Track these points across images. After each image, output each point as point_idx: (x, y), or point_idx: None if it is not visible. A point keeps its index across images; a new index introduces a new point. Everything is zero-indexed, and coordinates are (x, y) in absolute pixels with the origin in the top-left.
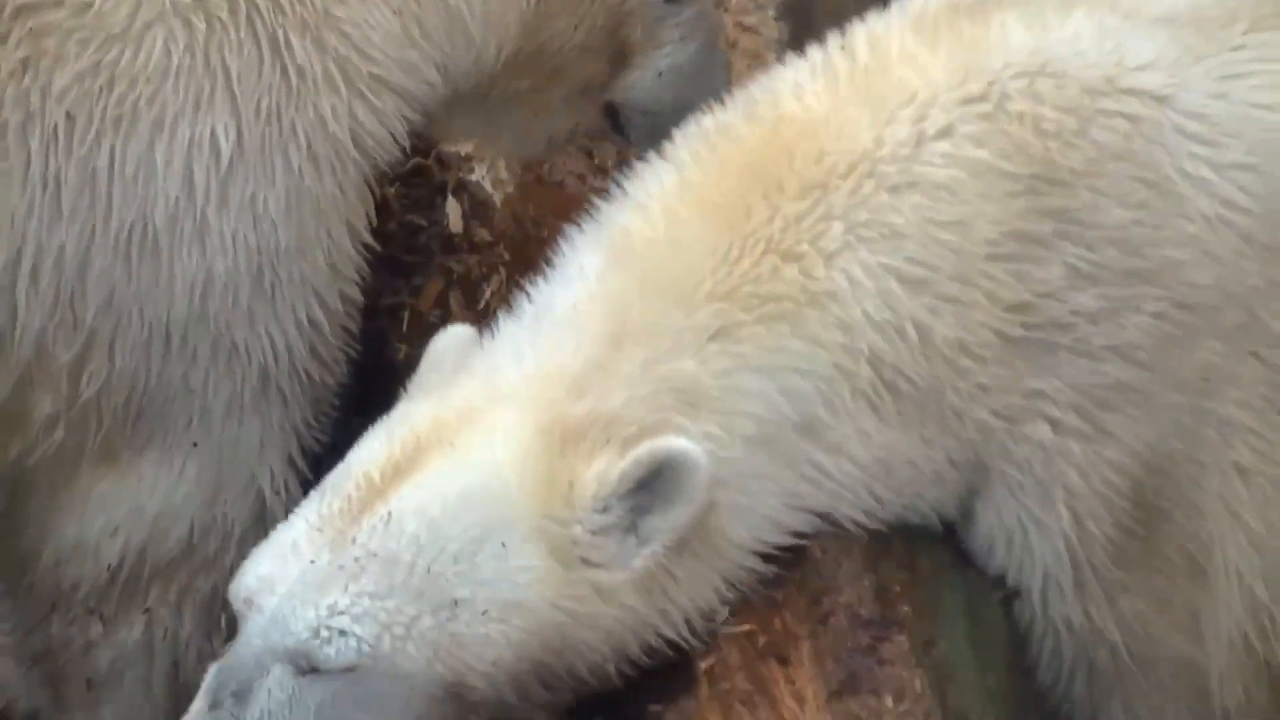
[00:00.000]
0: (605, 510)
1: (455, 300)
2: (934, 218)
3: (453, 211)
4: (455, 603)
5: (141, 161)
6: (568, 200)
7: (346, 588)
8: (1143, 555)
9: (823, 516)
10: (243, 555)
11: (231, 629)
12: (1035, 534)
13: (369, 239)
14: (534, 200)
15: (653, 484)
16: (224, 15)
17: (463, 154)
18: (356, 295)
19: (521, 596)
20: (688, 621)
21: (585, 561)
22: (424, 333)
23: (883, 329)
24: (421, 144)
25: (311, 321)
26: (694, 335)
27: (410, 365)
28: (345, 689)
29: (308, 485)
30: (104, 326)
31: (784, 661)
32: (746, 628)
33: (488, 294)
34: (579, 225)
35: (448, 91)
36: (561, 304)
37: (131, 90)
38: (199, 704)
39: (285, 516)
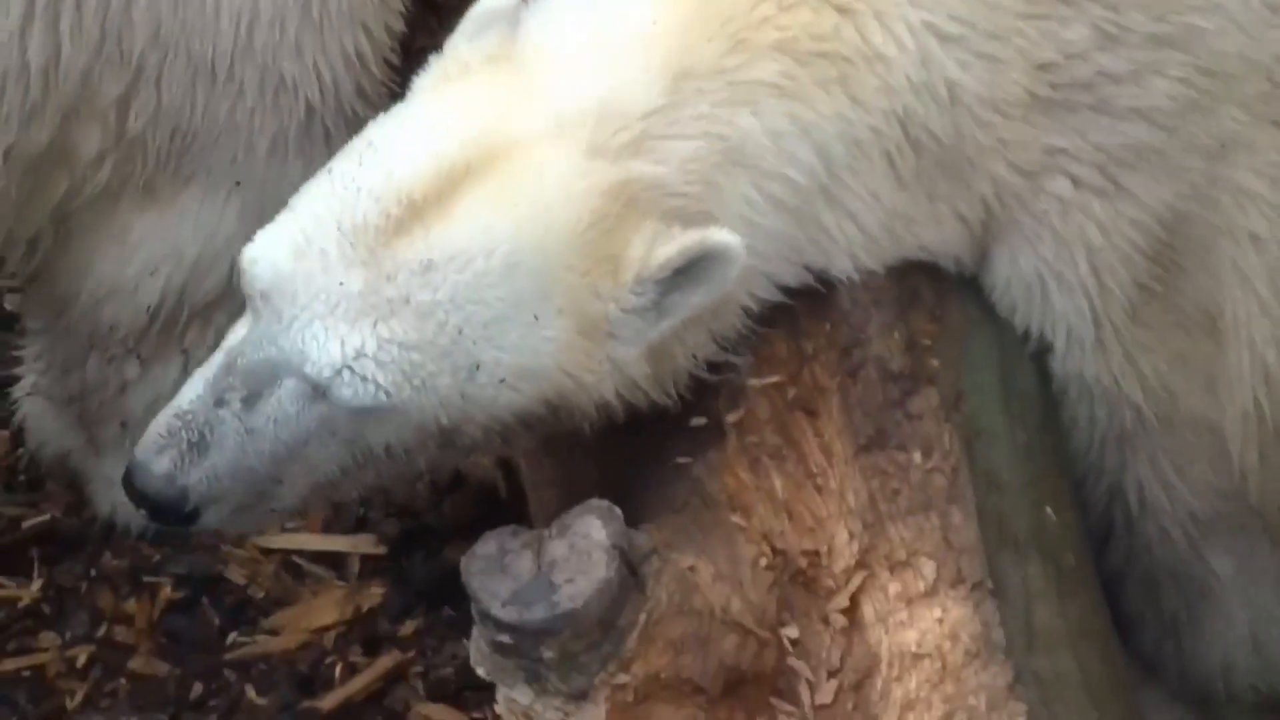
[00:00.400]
0: (640, 292)
1: None
2: None
3: None
4: (476, 366)
5: None
6: None
7: (375, 329)
8: (1161, 313)
9: (814, 272)
10: None
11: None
12: (1055, 289)
13: None
14: None
15: (688, 269)
16: None
17: None
18: (401, 26)
19: (540, 365)
20: (675, 383)
21: (608, 335)
22: None
23: (918, 90)
24: None
25: (359, 54)
26: (752, 89)
27: None
28: (348, 416)
29: None
30: (151, 60)
31: (812, 415)
32: (775, 379)
33: None
34: None
35: None
36: (627, 21)
37: None
38: (201, 391)
39: None
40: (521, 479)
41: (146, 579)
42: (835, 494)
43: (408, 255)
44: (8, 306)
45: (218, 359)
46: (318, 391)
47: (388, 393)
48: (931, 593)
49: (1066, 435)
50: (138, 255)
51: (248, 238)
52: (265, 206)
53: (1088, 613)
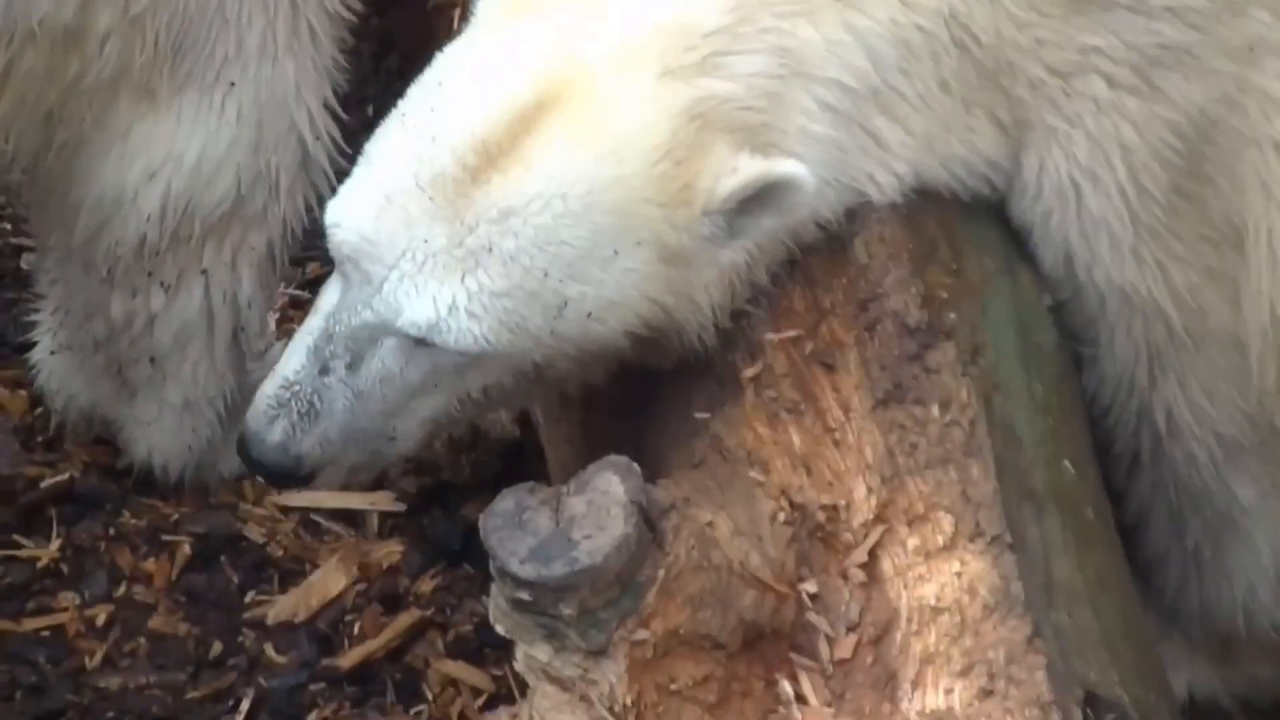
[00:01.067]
0: (711, 222)
1: None
2: None
3: None
4: (564, 304)
5: None
6: None
7: (464, 282)
8: (1193, 223)
9: (858, 189)
10: (293, 206)
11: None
12: (1091, 191)
13: None
14: None
15: (756, 195)
16: None
17: None
18: None
19: (623, 297)
20: (730, 314)
21: (686, 262)
22: None
23: None
24: None
25: None
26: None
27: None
28: (450, 367)
29: (344, 128)
30: None
31: (830, 369)
32: (793, 334)
33: None
34: None
35: None
36: None
37: None
38: (304, 361)
39: (327, 163)
40: (540, 436)
41: (165, 538)
42: (853, 449)
43: (486, 204)
44: (23, 266)
45: (316, 325)
46: (419, 346)
47: (487, 340)
48: (950, 547)
49: (1095, 356)
50: (137, 160)
51: (248, 142)
52: (262, 107)
53: (1107, 566)
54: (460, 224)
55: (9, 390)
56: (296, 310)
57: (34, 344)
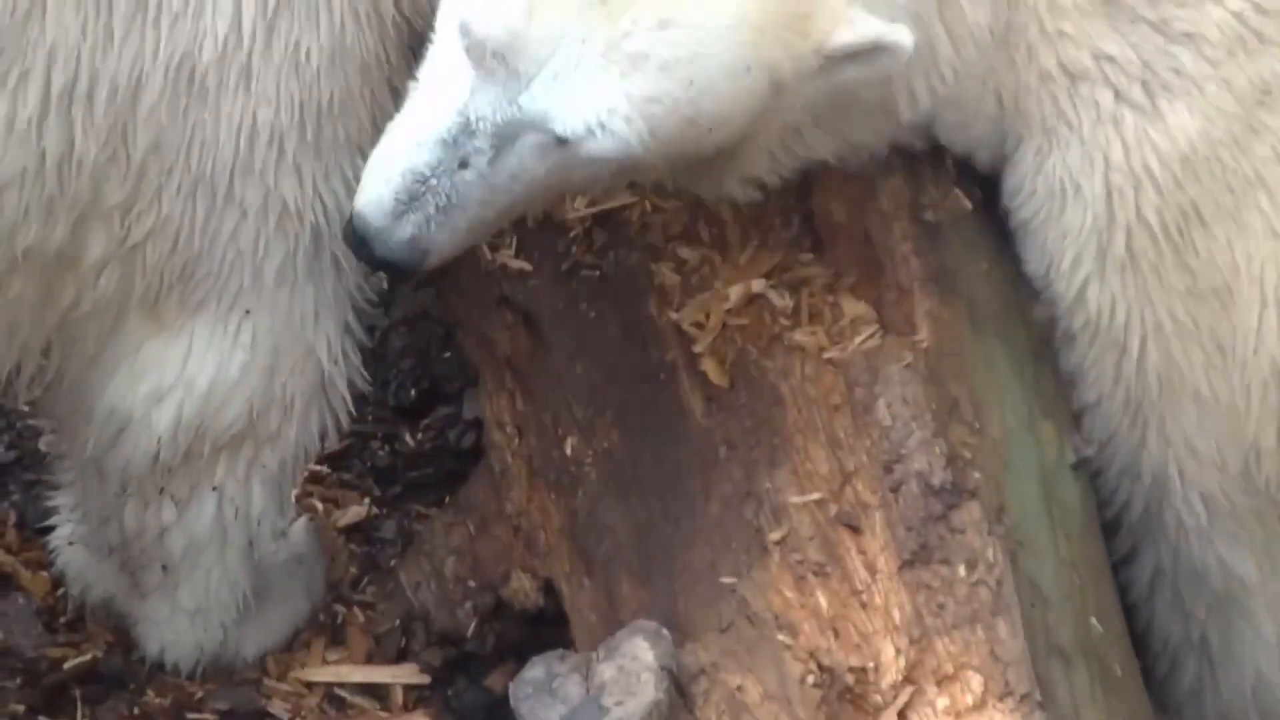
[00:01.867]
0: (818, 58)
1: None
2: None
3: None
4: (697, 115)
5: None
6: None
7: (622, 84)
8: (1169, 267)
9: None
10: (306, 428)
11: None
12: (1072, 199)
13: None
14: None
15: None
16: None
17: None
18: None
19: (736, 114)
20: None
21: (782, 92)
22: None
23: None
24: None
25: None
26: None
27: None
28: (584, 162)
29: (364, 351)
30: (153, 167)
31: (856, 531)
32: (817, 496)
33: None
34: None
35: None
36: None
37: None
38: (441, 155)
39: (345, 386)
40: (564, 604)
41: (190, 716)
42: (880, 610)
43: (645, 10)
44: (42, 448)
45: (448, 118)
46: (559, 144)
47: (631, 145)
48: (980, 706)
49: (1091, 413)
50: (146, 379)
51: (263, 368)
52: (279, 334)
53: (1136, 718)
54: (618, 29)
55: (31, 571)
56: (315, 484)
57: (53, 528)
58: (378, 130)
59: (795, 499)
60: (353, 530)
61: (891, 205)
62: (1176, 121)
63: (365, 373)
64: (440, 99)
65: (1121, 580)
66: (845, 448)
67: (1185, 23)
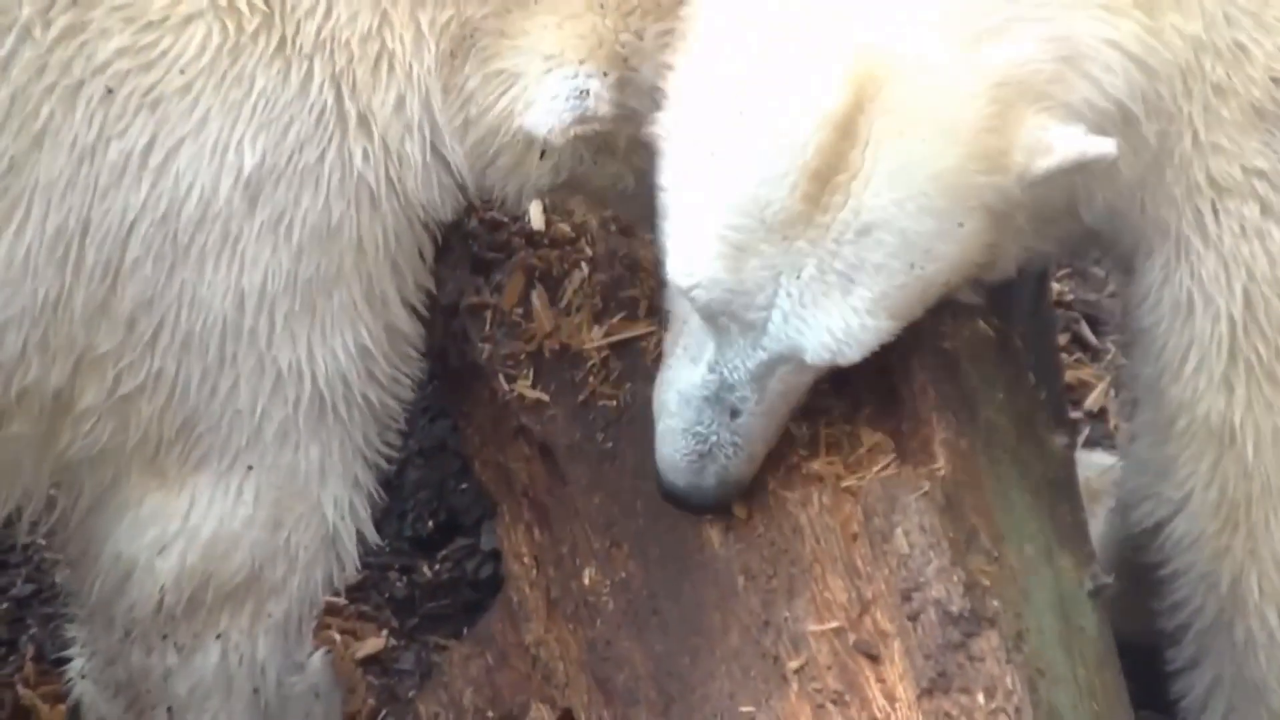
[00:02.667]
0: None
1: (538, 297)
2: None
3: (534, 207)
4: (929, 285)
5: (172, 152)
6: None
7: (849, 300)
8: None
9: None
10: (311, 579)
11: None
12: (1202, 311)
13: (426, 279)
14: None
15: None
16: (255, 28)
17: None
18: (405, 325)
19: (967, 260)
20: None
21: (1007, 215)
22: (507, 331)
23: (1202, 46)
24: None
25: (360, 348)
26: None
27: (494, 364)
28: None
29: (373, 503)
30: (142, 320)
31: (874, 659)
32: (835, 625)
33: (570, 291)
34: None
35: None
36: None
37: (167, 77)
38: (709, 414)
39: (353, 540)
40: None
41: None
42: None
43: (842, 224)
44: (57, 580)
45: (705, 378)
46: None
47: (878, 342)
48: None
49: (1170, 518)
50: (148, 530)
51: (266, 521)
52: (283, 491)
53: None
54: (823, 249)
55: (49, 705)
56: (333, 615)
57: (69, 659)
58: (382, 305)
59: (814, 628)
60: (370, 662)
61: (908, 334)
62: None
63: (374, 527)
64: (692, 354)
65: (1177, 690)
66: (863, 576)
67: None
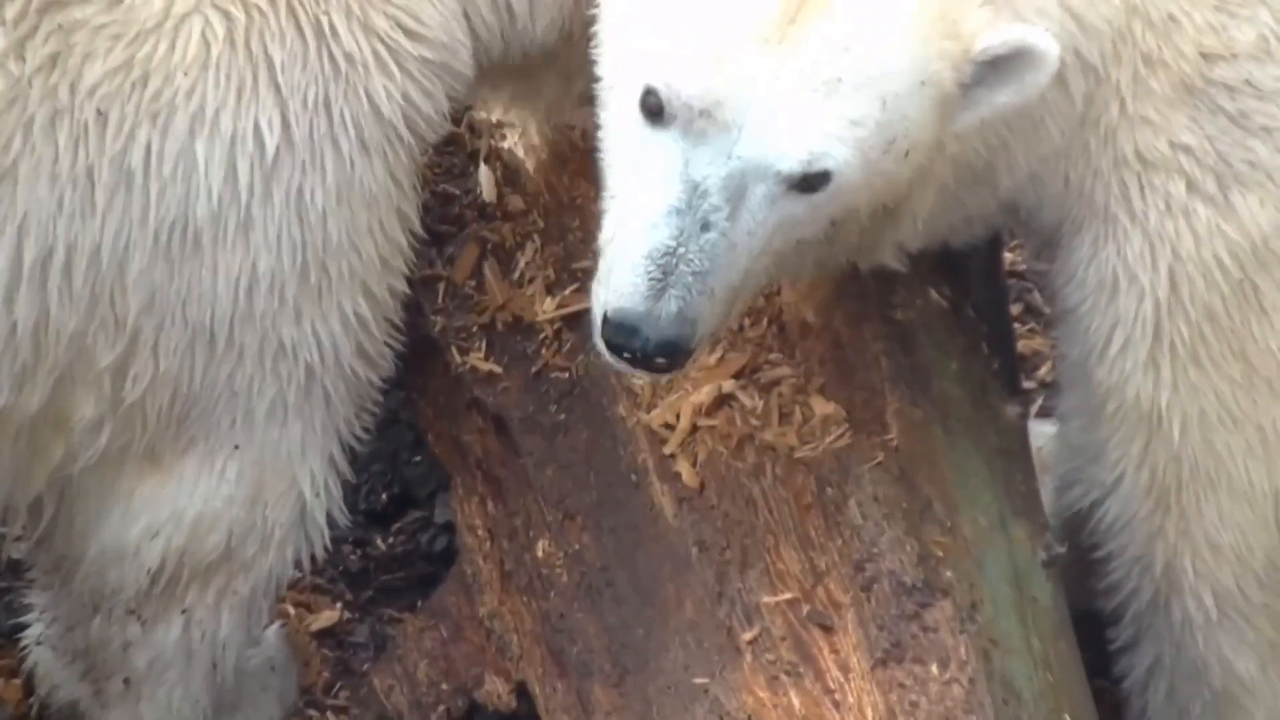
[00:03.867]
0: (971, 66)
1: (490, 270)
2: None
3: (486, 180)
4: (894, 139)
5: (181, 156)
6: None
7: (826, 107)
8: (1223, 355)
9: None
10: (282, 557)
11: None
12: (1126, 290)
13: (418, 226)
14: (568, 167)
15: (1002, 64)
16: (263, 4)
17: (495, 120)
18: (403, 287)
19: (923, 136)
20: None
21: (948, 110)
22: (459, 304)
23: (1135, 11)
24: (453, 111)
25: (359, 317)
26: None
27: (447, 337)
28: (802, 204)
29: (354, 485)
30: (147, 327)
31: (828, 630)
32: (789, 596)
33: (522, 263)
34: None
35: (491, 62)
36: None
37: (168, 85)
38: (680, 224)
39: (324, 518)
40: (536, 706)
41: None
42: (854, 709)
43: (825, 37)
44: (14, 555)
45: (676, 189)
46: (785, 188)
47: (852, 165)
48: None
49: (1104, 500)
50: (140, 519)
51: (246, 498)
52: (265, 468)
53: None
54: (804, 58)
55: (4, 680)
56: (289, 590)
57: (26, 625)
58: (384, 265)
59: (767, 599)
60: (325, 635)
61: (861, 305)
62: (1248, 213)
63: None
64: (654, 178)
65: (1119, 669)
66: (817, 547)
67: (1264, 116)
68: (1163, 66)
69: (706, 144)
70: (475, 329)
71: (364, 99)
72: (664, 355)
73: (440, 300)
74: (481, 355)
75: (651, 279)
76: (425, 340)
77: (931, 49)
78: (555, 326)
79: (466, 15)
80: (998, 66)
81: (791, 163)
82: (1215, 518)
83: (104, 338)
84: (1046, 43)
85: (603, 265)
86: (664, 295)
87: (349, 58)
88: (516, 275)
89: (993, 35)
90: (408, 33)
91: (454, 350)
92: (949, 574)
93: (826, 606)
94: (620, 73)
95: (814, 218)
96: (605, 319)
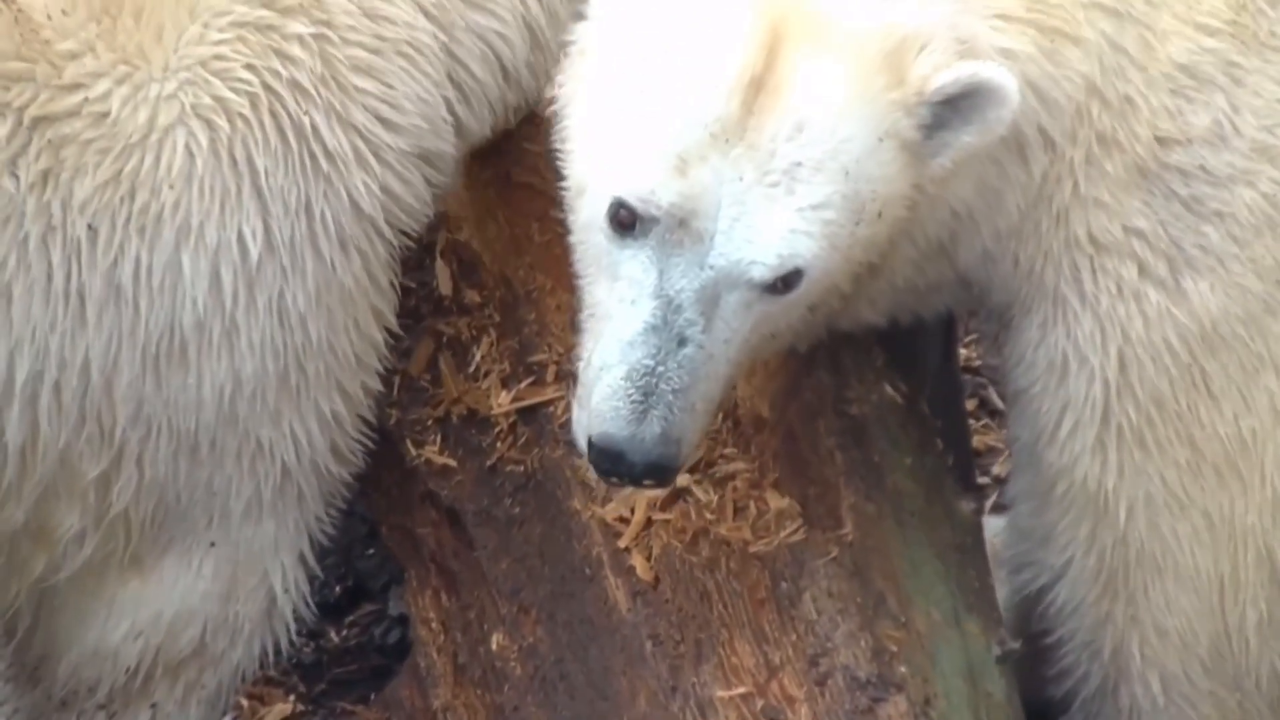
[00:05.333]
0: (927, 108)
1: (445, 363)
2: (1152, 26)
3: (442, 273)
4: (863, 205)
5: (168, 269)
6: (557, 260)
7: (789, 204)
8: (1170, 440)
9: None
10: (249, 652)
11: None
12: (1076, 372)
13: (393, 323)
14: (524, 259)
15: (959, 103)
16: (246, 111)
17: (450, 213)
18: (377, 386)
19: (893, 190)
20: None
21: (916, 156)
22: (414, 397)
23: (1094, 90)
24: (438, 198)
25: (334, 415)
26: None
27: (401, 430)
28: (783, 302)
29: (314, 580)
30: (133, 438)
31: None
32: (743, 690)
33: (478, 357)
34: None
35: (466, 149)
36: None
37: (155, 198)
38: (656, 342)
39: (291, 614)
40: None
41: None
42: None
43: (775, 126)
44: None
45: (650, 306)
46: (760, 296)
47: (823, 253)
48: None
49: (1053, 586)
50: (124, 623)
51: (219, 594)
52: (238, 565)
53: None
54: (761, 150)
55: None
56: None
57: None
58: (359, 363)
59: (721, 693)
60: None
61: (815, 399)
62: (1199, 298)
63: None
64: (627, 293)
65: None
66: (771, 641)
67: (1217, 201)
68: (1117, 148)
69: (680, 255)
70: (430, 422)
71: (344, 196)
72: (652, 477)
73: (395, 393)
74: (436, 448)
75: (633, 402)
76: (379, 433)
77: (880, 102)
78: (510, 420)
79: (447, 101)
80: (957, 107)
81: (763, 270)
82: (1162, 603)
83: (90, 451)
84: (1001, 76)
85: (582, 386)
86: (646, 417)
87: (329, 155)
88: (472, 369)
89: (945, 74)
90: (385, 124)
91: (409, 443)
92: (903, 669)
93: (781, 701)
94: (587, 181)
95: (790, 313)
96: (590, 443)
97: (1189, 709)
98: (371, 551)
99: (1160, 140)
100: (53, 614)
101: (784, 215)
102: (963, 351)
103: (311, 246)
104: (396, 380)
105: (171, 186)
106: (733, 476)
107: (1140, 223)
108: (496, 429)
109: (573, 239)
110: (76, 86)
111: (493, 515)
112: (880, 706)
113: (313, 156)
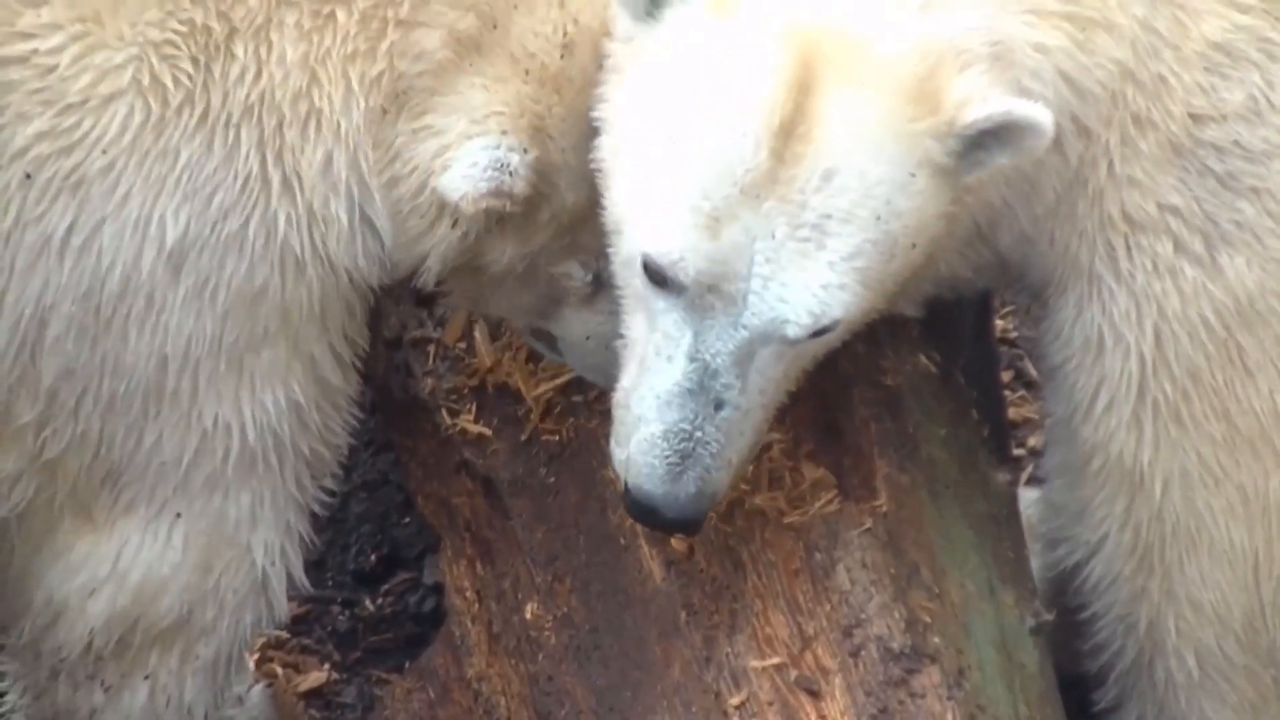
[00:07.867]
0: (951, 140)
1: (480, 331)
2: (1185, 5)
3: None
4: (895, 243)
5: (94, 231)
6: None
7: (822, 259)
8: (1206, 415)
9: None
10: (241, 622)
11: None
12: (1112, 348)
13: (358, 333)
14: None
15: (995, 131)
16: (180, 102)
17: None
18: (342, 382)
19: (925, 221)
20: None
21: (949, 178)
22: (449, 366)
23: (1127, 73)
24: None
25: (292, 403)
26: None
27: (436, 399)
28: (811, 345)
29: (336, 545)
30: (64, 388)
31: (815, 695)
32: (777, 661)
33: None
34: None
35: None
36: None
37: (88, 159)
38: (694, 406)
39: (283, 584)
40: None
41: None
42: None
43: (807, 173)
44: None
45: (685, 369)
46: (791, 346)
47: (860, 301)
48: None
49: (1088, 560)
50: (78, 575)
51: (195, 565)
52: (212, 536)
53: None
54: (792, 203)
55: None
56: (275, 649)
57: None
58: (310, 362)
59: (755, 664)
60: (313, 696)
61: (850, 369)
62: (1234, 273)
63: (318, 562)
64: (663, 349)
65: None
66: (805, 612)
67: (1252, 177)
68: (1151, 127)
69: (713, 318)
70: (465, 391)
71: (266, 217)
72: (683, 531)
73: (430, 362)
74: (471, 418)
75: (670, 463)
76: (415, 401)
77: (913, 134)
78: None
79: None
80: (996, 134)
81: (797, 329)
82: (1197, 577)
83: (25, 394)
84: (1037, 114)
85: (621, 420)
86: (682, 477)
87: (251, 177)
88: (505, 338)
89: (979, 108)
90: (315, 202)
91: (444, 412)
92: (936, 640)
93: (814, 672)
94: (623, 223)
95: (824, 349)
96: (627, 488)
97: (1224, 683)
98: (407, 520)
99: (1194, 117)
100: (15, 551)
101: (816, 271)
102: (998, 323)
103: (236, 249)
104: (431, 349)
105: (104, 152)
106: (768, 447)
107: (1175, 199)
108: (532, 399)
109: (613, 267)
110: (29, 35)
111: (528, 484)
112: (914, 677)
113: (235, 173)
